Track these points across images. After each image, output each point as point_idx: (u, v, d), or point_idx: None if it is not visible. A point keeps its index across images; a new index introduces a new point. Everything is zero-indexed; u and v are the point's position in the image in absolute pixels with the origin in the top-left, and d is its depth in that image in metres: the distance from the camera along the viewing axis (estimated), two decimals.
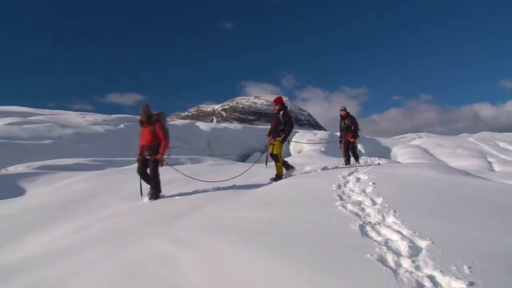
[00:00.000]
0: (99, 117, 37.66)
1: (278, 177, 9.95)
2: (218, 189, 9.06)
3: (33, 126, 27.74)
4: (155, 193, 8.32)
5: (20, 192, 12.24)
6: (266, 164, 10.86)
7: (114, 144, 29.77)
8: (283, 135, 9.88)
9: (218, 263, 3.66)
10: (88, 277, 3.89)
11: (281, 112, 9.94)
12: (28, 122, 29.19)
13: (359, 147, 46.14)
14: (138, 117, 8.59)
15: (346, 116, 13.52)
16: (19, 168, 16.36)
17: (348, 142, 13.43)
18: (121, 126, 34.03)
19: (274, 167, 10.20)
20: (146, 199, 8.17)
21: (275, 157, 9.93)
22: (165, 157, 8.36)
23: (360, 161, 13.90)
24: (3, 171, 16.18)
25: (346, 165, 13.16)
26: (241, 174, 10.24)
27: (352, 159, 13.62)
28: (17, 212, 8.59)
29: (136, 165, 8.78)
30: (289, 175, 10.03)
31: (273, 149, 9.98)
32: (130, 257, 4.33)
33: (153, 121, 8.35)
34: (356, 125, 13.27)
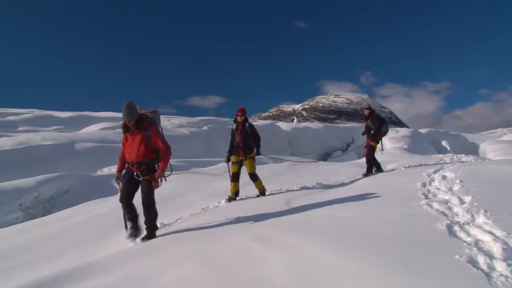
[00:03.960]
0: (184, 119, 39.24)
1: (262, 193, 8.65)
2: (301, 187, 9.06)
3: None
4: (151, 230, 5.96)
5: (114, 191, 13.12)
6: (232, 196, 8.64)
7: (198, 145, 30.87)
8: (255, 149, 8.54)
9: (302, 262, 3.67)
10: (176, 273, 4.06)
11: (247, 124, 8.55)
12: (120, 126, 31.14)
13: (444, 143, 43.62)
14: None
15: (369, 116, 11.38)
16: (113, 169, 17.54)
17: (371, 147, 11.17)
18: (205, 128, 35.13)
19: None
20: (130, 240, 5.81)
21: (254, 176, 8.49)
22: (167, 173, 6.03)
23: (375, 172, 11.13)
24: (99, 172, 17.44)
25: (376, 171, 11.08)
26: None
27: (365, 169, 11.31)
28: (110, 210, 9.19)
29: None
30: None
31: (247, 168, 8.48)
32: (215, 254, 4.46)
33: (146, 125, 5.86)
34: (377, 127, 11.00)
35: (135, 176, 5.83)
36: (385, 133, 11.35)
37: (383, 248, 3.67)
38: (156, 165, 5.91)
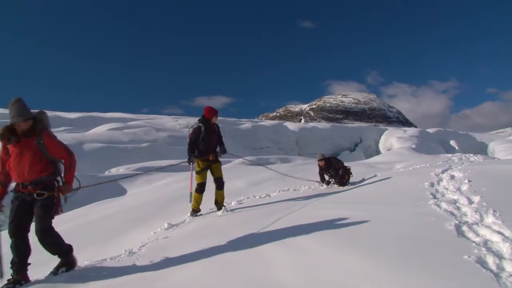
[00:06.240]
0: (191, 120, 39.30)
1: (222, 206, 7.58)
2: (309, 188, 9.03)
3: (132, 130, 29.77)
4: (66, 261, 4.62)
5: (122, 192, 13.18)
6: (191, 200, 7.62)
7: None
8: (220, 154, 7.61)
9: (311, 262, 3.66)
10: (183, 273, 4.06)
11: (218, 126, 7.68)
12: (128, 127, 31.33)
13: (452, 143, 43.21)
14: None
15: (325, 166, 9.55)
16: (121, 169, 17.63)
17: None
18: None
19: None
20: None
21: (222, 182, 7.51)
22: (74, 189, 4.67)
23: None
24: (107, 173, 17.49)
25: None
26: None
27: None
28: (119, 211, 9.22)
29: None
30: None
31: (217, 172, 7.49)
32: (223, 254, 4.46)
33: (37, 131, 4.33)
34: (342, 167, 9.33)
35: (36, 196, 4.27)
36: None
37: (392, 248, 3.65)
38: (56, 182, 4.51)
